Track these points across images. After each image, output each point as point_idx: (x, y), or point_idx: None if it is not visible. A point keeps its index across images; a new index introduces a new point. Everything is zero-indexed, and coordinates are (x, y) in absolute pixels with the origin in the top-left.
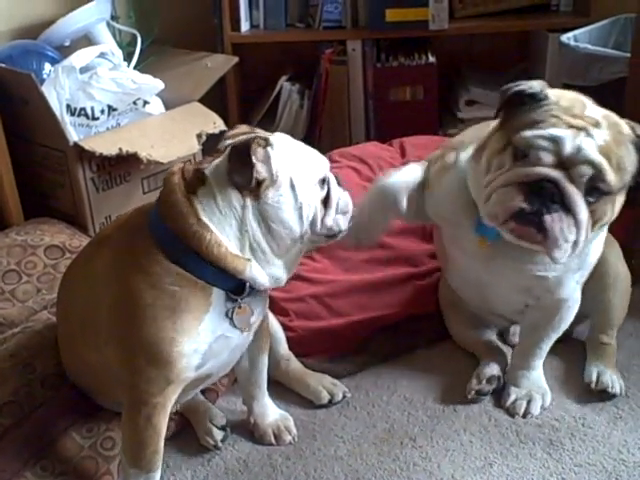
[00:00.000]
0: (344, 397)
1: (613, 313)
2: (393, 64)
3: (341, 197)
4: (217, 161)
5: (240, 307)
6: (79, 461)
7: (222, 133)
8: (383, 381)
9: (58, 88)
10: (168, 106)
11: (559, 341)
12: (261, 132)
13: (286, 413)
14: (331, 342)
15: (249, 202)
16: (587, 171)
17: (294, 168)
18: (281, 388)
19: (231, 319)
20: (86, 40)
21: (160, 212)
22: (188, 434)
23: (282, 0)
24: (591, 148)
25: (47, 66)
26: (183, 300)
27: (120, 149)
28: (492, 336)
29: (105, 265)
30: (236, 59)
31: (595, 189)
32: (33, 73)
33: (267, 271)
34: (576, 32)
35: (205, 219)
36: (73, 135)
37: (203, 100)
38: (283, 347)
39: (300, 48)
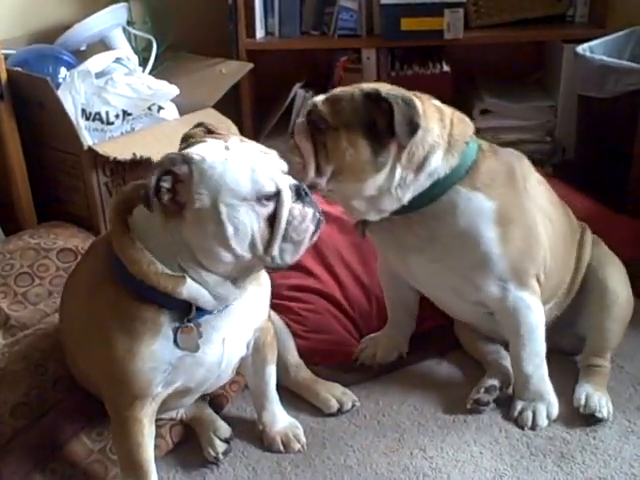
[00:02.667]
0: (353, 406)
1: (607, 336)
2: (407, 73)
3: (295, 218)
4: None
5: (186, 327)
6: (88, 465)
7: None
8: (393, 390)
9: (74, 92)
10: (182, 112)
11: (571, 354)
12: (217, 134)
13: (295, 421)
14: (343, 352)
15: (173, 225)
16: (308, 107)
17: (220, 187)
18: (291, 395)
19: (175, 340)
20: (102, 45)
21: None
22: (197, 440)
23: (297, 7)
24: (318, 97)
25: (63, 70)
26: (133, 321)
27: (134, 154)
28: (497, 346)
29: (81, 279)
30: (251, 65)
31: (312, 121)
32: (49, 77)
33: (210, 290)
34: (592, 43)
35: (137, 239)
36: (88, 139)
37: (217, 106)
38: (293, 355)
39: (315, 55)
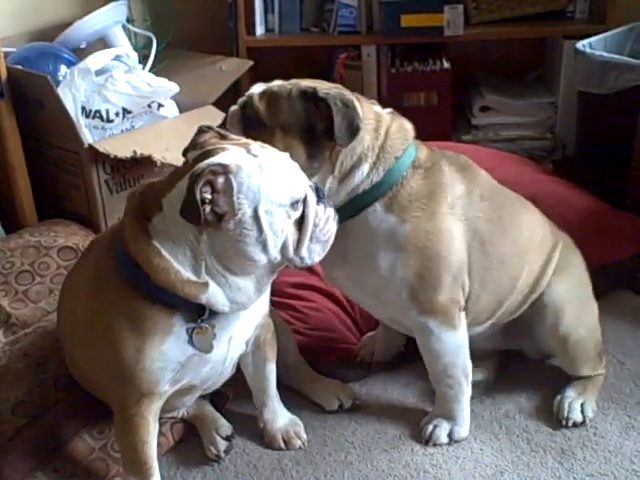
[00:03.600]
0: (354, 404)
1: (573, 361)
2: (407, 69)
3: (321, 219)
4: (174, 189)
5: (201, 328)
6: (90, 462)
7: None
8: (394, 387)
9: (73, 90)
10: (182, 109)
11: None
12: (232, 139)
13: (296, 418)
14: (343, 350)
15: (206, 235)
16: (243, 100)
17: (259, 195)
18: (292, 392)
19: (190, 339)
20: (102, 43)
21: (121, 234)
22: (198, 438)
23: (297, 4)
24: (255, 89)
25: (63, 68)
26: (142, 321)
27: (134, 151)
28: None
29: (84, 277)
30: (251, 63)
31: (248, 117)
32: (49, 75)
33: (229, 295)
34: (592, 39)
35: (157, 245)
36: (88, 137)
37: (217, 103)
38: (293, 352)
39: (315, 52)
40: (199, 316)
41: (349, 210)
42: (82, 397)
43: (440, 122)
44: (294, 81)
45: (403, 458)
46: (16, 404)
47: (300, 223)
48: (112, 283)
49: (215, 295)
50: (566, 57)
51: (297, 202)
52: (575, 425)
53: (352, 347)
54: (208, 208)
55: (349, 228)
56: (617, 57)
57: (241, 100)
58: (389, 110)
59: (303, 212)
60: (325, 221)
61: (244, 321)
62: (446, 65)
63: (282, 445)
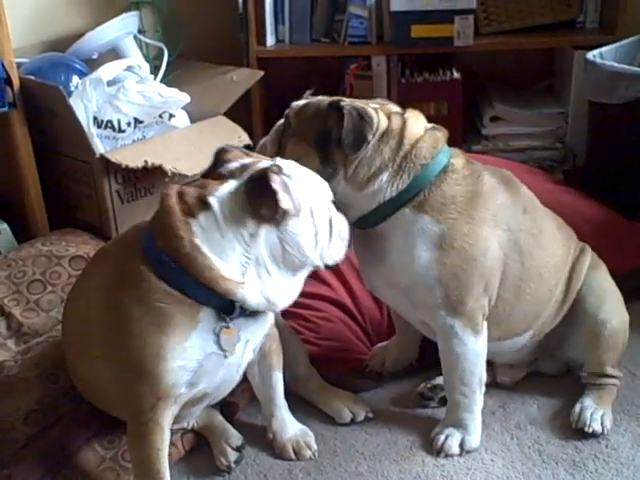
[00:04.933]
0: (366, 417)
1: (601, 361)
2: (418, 80)
3: (340, 221)
4: (223, 189)
5: (228, 327)
6: (100, 472)
7: (247, 147)
8: (404, 398)
9: (85, 100)
10: (193, 119)
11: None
12: (259, 156)
13: (306, 428)
14: (354, 360)
15: (264, 230)
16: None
17: (311, 195)
18: (302, 402)
19: (217, 338)
20: (114, 53)
21: (154, 232)
22: (209, 448)
23: (308, 15)
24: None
25: (75, 79)
26: (170, 317)
27: (145, 161)
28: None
29: (99, 280)
30: (261, 73)
31: (285, 124)
32: (61, 85)
33: (264, 294)
34: (602, 49)
35: (199, 242)
36: (99, 147)
37: (228, 113)
38: (304, 363)
39: (325, 63)
40: (227, 315)
41: (378, 216)
42: (93, 407)
43: (450, 132)
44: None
45: (414, 469)
46: (27, 413)
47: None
48: (140, 280)
49: (252, 292)
50: (576, 67)
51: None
52: (594, 436)
53: (363, 357)
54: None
55: (382, 230)
56: (627, 67)
57: (286, 111)
58: (431, 125)
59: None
60: (342, 220)
61: (260, 326)
62: (456, 75)
63: (292, 455)
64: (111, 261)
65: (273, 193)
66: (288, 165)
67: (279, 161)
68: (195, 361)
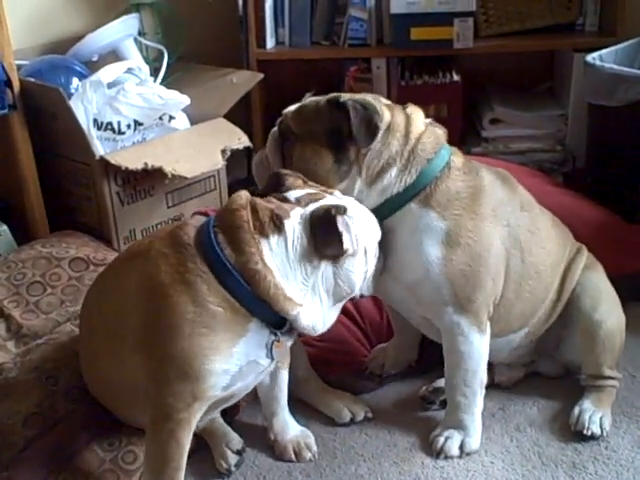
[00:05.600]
0: (366, 417)
1: (598, 362)
2: (417, 82)
3: (378, 254)
4: (294, 215)
5: (279, 341)
6: (100, 474)
7: (247, 149)
8: (405, 399)
9: (85, 102)
10: (193, 121)
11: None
12: (317, 185)
13: (307, 430)
14: (354, 362)
15: (323, 265)
16: (280, 118)
17: (366, 235)
18: (302, 404)
19: (270, 351)
20: (114, 55)
21: (222, 239)
22: (209, 450)
23: (307, 17)
24: (291, 107)
25: (75, 81)
26: (223, 322)
27: (145, 163)
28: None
29: (142, 278)
30: (261, 75)
31: (282, 132)
32: (61, 87)
33: (313, 318)
34: (602, 52)
35: (269, 262)
36: (99, 149)
37: (228, 116)
38: (304, 365)
39: (325, 65)
40: (278, 328)
41: (385, 210)
42: (93, 409)
43: (450, 134)
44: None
45: (413, 471)
46: (27, 416)
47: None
48: (200, 281)
49: (306, 315)
50: (576, 70)
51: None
52: (593, 438)
53: (362, 359)
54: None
55: (389, 225)
56: (627, 70)
57: (278, 120)
58: (429, 120)
59: None
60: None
61: (290, 341)
62: (456, 78)
63: (293, 457)
64: (158, 259)
65: (339, 235)
66: (349, 204)
67: (340, 197)
68: (237, 366)
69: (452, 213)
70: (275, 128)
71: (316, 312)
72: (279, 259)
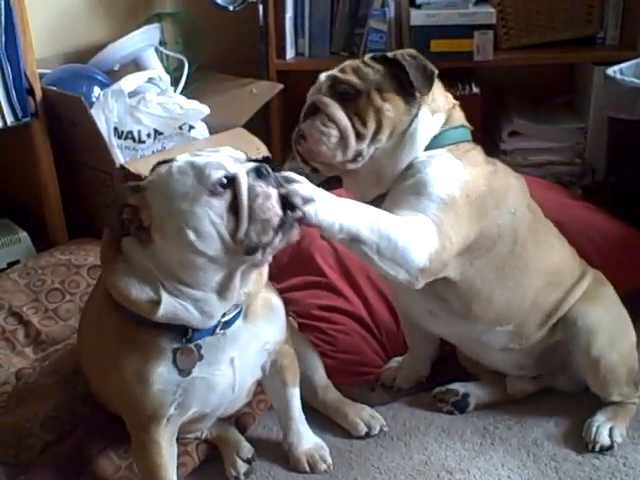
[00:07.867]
0: (381, 430)
1: (604, 385)
2: None
3: (259, 195)
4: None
5: (186, 349)
6: None
7: (266, 159)
8: (420, 412)
9: (107, 111)
10: (213, 131)
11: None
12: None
13: (321, 441)
14: (370, 373)
15: (150, 252)
16: (327, 82)
17: (170, 195)
18: (318, 415)
19: (174, 360)
20: (135, 65)
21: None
22: (221, 459)
23: (327, 28)
24: (330, 72)
25: (96, 90)
26: (136, 344)
27: None
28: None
29: (93, 302)
30: (281, 86)
31: (342, 93)
32: (83, 96)
33: (193, 307)
34: (622, 65)
35: (119, 269)
36: (120, 158)
37: (247, 126)
38: (320, 375)
39: None
40: (184, 337)
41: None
42: (109, 414)
43: None
44: (350, 61)
45: None
46: (45, 419)
47: (236, 208)
48: (110, 308)
49: (173, 311)
50: (596, 83)
51: (219, 185)
52: (602, 450)
53: (378, 370)
54: (133, 227)
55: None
56: None
57: (325, 84)
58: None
59: (234, 194)
60: (265, 198)
61: (246, 344)
62: (475, 90)
63: (307, 468)
64: (102, 285)
65: (119, 220)
66: (156, 173)
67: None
68: (173, 385)
69: (472, 171)
70: (318, 96)
71: (192, 300)
72: (127, 262)
